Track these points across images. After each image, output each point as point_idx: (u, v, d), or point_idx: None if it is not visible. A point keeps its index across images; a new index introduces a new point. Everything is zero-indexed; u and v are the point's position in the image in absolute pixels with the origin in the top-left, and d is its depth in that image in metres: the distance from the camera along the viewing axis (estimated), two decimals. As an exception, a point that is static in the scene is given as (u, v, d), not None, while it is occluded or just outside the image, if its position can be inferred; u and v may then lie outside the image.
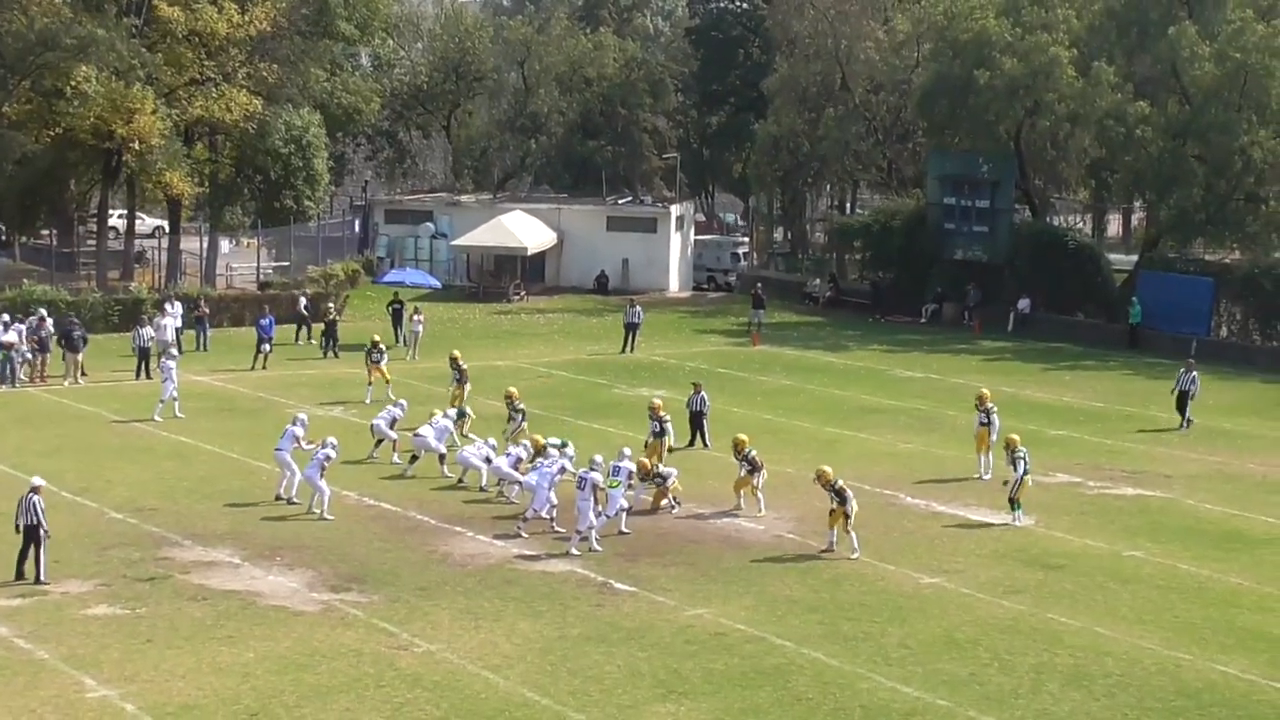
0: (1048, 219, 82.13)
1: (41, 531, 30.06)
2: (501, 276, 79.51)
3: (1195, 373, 50.71)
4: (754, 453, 36.77)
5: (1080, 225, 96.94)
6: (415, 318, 59.82)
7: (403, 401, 43.19)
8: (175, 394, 46.46)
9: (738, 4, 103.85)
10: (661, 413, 40.66)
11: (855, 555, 32.95)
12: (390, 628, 28.09)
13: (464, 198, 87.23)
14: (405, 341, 60.73)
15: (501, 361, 58.71)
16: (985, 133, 74.81)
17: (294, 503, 36.32)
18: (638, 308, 64.03)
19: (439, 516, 35.85)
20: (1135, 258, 79.01)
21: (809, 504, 36.18)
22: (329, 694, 24.88)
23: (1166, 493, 40.70)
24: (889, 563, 32.66)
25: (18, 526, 30.21)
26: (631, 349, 61.78)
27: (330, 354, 58.69)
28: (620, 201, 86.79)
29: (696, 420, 43.92)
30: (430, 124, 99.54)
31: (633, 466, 35.69)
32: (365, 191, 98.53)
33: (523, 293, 77.67)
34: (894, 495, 38.69)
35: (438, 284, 70.81)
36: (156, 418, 45.65)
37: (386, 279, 71.26)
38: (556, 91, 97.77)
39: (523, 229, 79.28)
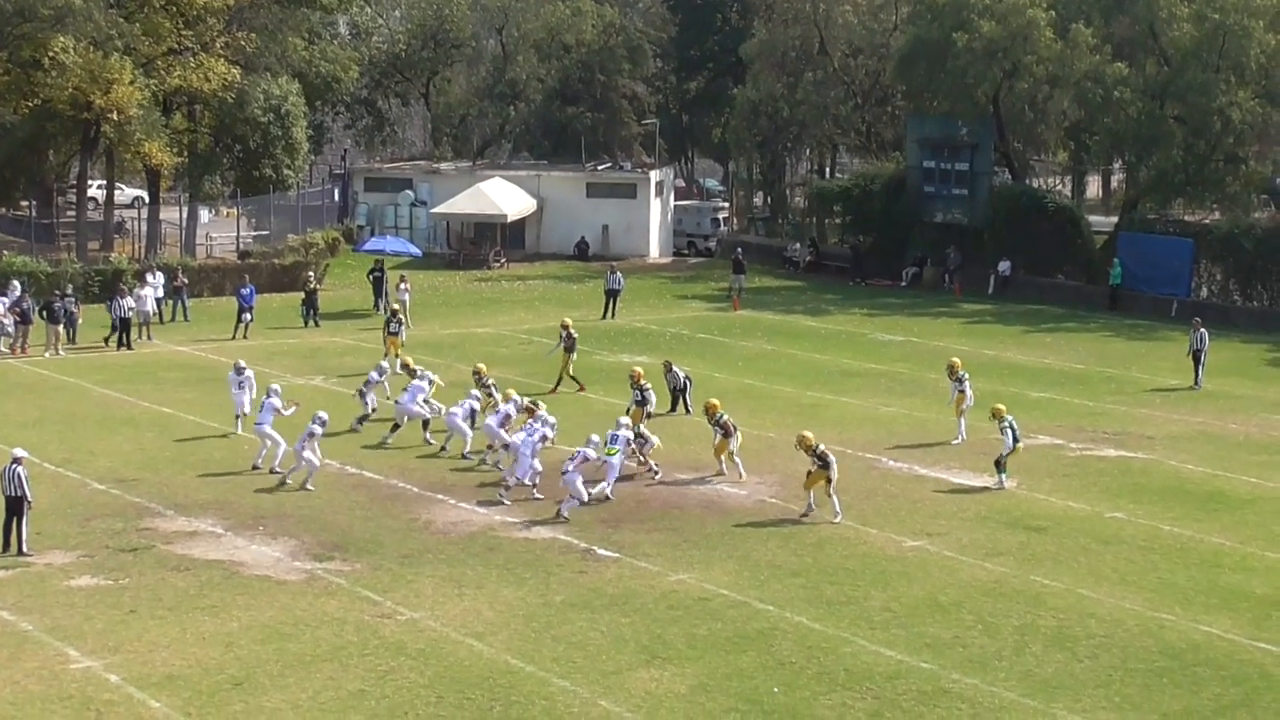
0: (1027, 181, 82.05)
1: (25, 503, 29.97)
2: (481, 244, 79.35)
3: (1204, 330, 50.88)
4: (725, 417, 36.60)
5: (1060, 187, 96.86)
6: (402, 285, 59.60)
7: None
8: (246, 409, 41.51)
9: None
10: (642, 380, 40.39)
11: (838, 519, 32.86)
12: (373, 596, 28.04)
13: (443, 165, 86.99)
14: (387, 310, 60.63)
15: (482, 329, 58.63)
16: (964, 96, 74.70)
17: (276, 473, 36.20)
18: (618, 274, 63.94)
19: (421, 484, 35.78)
20: (1115, 219, 79.09)
21: (791, 468, 36.17)
22: (312, 663, 24.83)
23: (1148, 454, 40.75)
24: (872, 526, 32.64)
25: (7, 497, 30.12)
26: (612, 315, 61.73)
27: (311, 323, 58.52)
28: (600, 168, 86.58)
29: (676, 397, 43.68)
30: (409, 92, 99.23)
31: (630, 434, 35.73)
32: (344, 160, 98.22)
33: (503, 260, 77.53)
34: (875, 459, 38.67)
35: (418, 252, 70.60)
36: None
37: (366, 247, 71.02)
38: (535, 58, 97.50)
39: (502, 196, 79.10)
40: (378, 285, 62.27)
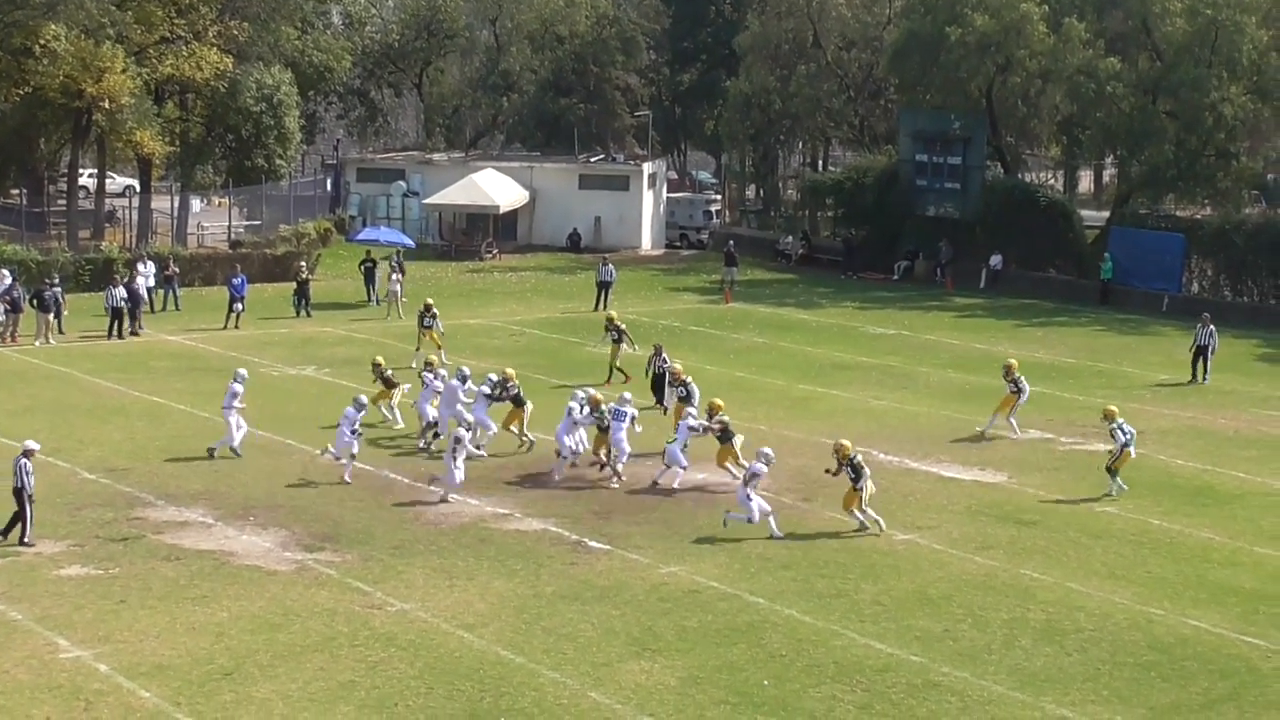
0: (1019, 175, 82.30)
1: (24, 495, 29.91)
2: (474, 235, 79.31)
3: (1213, 327, 50.96)
4: (724, 418, 36.08)
5: (1052, 181, 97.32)
6: (394, 276, 59.57)
7: (442, 372, 40.24)
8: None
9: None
10: (683, 376, 39.60)
11: (880, 531, 32.02)
12: (364, 587, 28.03)
13: (436, 156, 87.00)
14: (379, 300, 60.68)
15: (474, 320, 58.60)
16: (957, 89, 74.80)
17: (215, 455, 36.95)
18: (610, 266, 63.93)
19: (413, 475, 35.77)
20: (1107, 214, 79.27)
21: (782, 461, 36.12)
22: (303, 653, 24.83)
23: (1139, 448, 40.63)
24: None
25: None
26: (604, 307, 61.71)
27: (303, 313, 58.48)
28: (592, 159, 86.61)
29: (659, 384, 43.19)
30: (402, 82, 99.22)
31: (634, 410, 36.05)
32: (337, 150, 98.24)
33: (495, 251, 77.51)
34: (867, 451, 38.49)
35: (410, 242, 70.57)
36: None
37: (359, 238, 71.03)
38: (528, 49, 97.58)
39: (495, 187, 79.07)
40: (369, 276, 62.22)
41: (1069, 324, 62.89)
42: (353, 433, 35.30)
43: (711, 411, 36.34)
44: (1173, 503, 35.40)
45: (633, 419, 35.98)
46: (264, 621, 26.16)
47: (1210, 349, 50.60)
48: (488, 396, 38.18)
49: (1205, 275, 69.68)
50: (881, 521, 32.02)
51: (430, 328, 50.13)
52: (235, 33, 69.14)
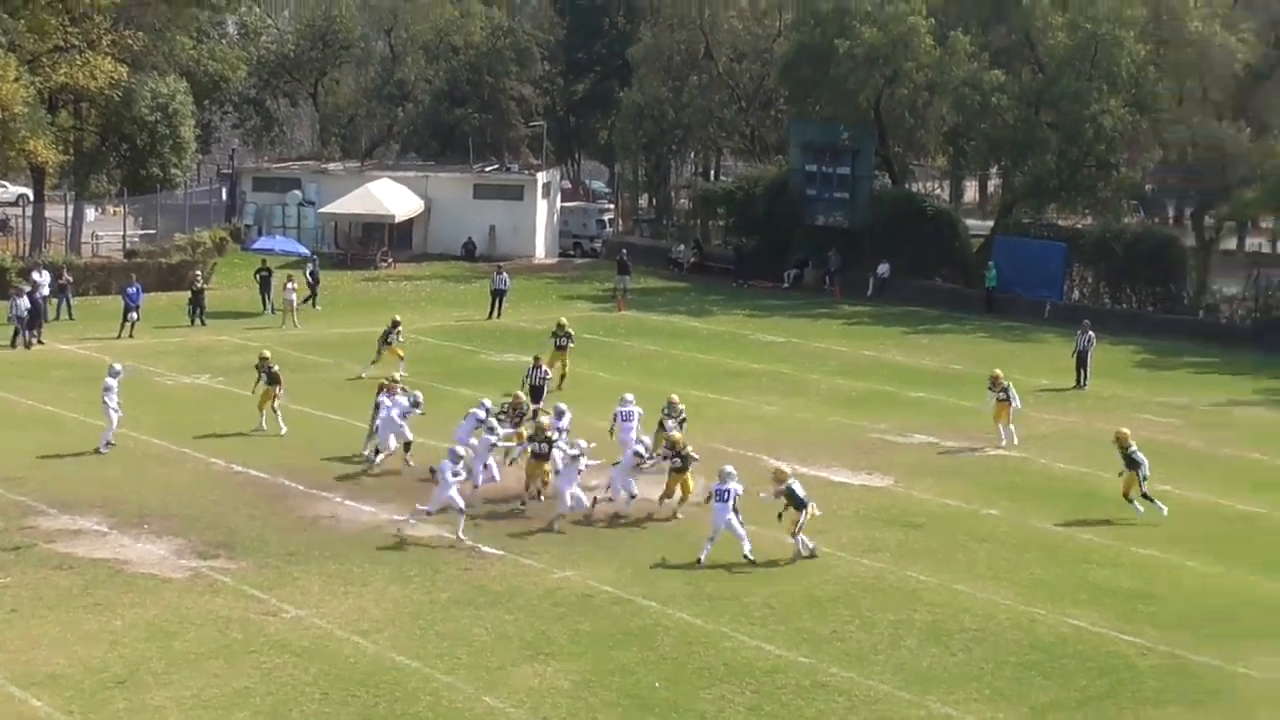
0: (906, 185, 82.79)
1: None
2: (369, 244, 78.96)
3: (1091, 333, 51.63)
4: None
5: (938, 191, 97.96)
6: (289, 285, 59.20)
7: (400, 399, 38.15)
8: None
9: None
10: (680, 406, 38.10)
11: (814, 555, 30.82)
12: (259, 594, 27.87)
13: (331, 165, 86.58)
14: (274, 309, 60.32)
15: (370, 328, 58.20)
16: (846, 101, 75.23)
17: (106, 448, 37.52)
18: (505, 274, 63.90)
19: (308, 483, 35.56)
20: (991, 223, 79.95)
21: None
22: (198, 660, 24.65)
23: (1021, 453, 41.20)
24: (752, 524, 32.52)
25: None
26: (498, 315, 61.66)
27: (197, 321, 58.05)
28: (487, 169, 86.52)
29: (537, 392, 42.49)
30: (297, 92, 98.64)
31: (640, 410, 37.09)
32: (232, 159, 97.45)
33: (390, 260, 77.20)
34: (757, 457, 38.78)
35: (306, 251, 70.17)
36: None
37: (255, 246, 70.58)
38: (423, 59, 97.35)
39: (390, 197, 78.79)
40: (264, 285, 61.81)
41: (955, 331, 63.41)
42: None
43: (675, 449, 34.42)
44: (1054, 506, 35.78)
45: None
46: (158, 629, 25.94)
47: (1089, 354, 51.29)
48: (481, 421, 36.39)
49: (1086, 283, 70.41)
50: (815, 548, 30.98)
51: (392, 344, 49.22)
52: (130, 42, 68.41)
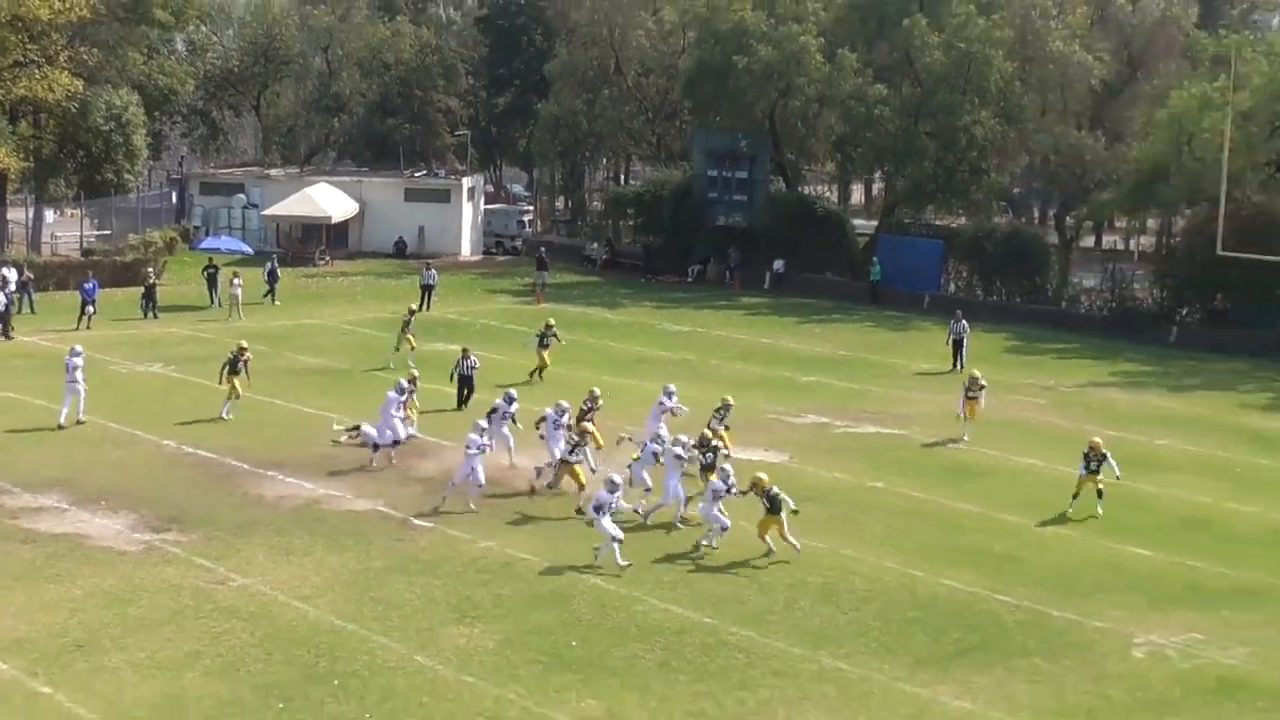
0: (799, 189, 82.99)
1: None
2: (308, 243, 78.38)
3: (965, 322, 51.97)
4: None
5: (827, 194, 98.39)
6: (235, 281, 58.73)
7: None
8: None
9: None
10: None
11: (798, 553, 29.24)
12: (208, 564, 27.72)
13: (273, 171, 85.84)
14: (221, 303, 59.87)
15: (310, 320, 58.02)
16: (743, 112, 75.31)
17: (79, 423, 37.73)
18: (433, 270, 63.63)
19: (253, 462, 35.37)
20: (875, 223, 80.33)
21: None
22: (152, 625, 24.51)
23: (904, 430, 41.47)
24: (656, 496, 32.71)
25: None
26: (428, 308, 61.38)
27: (150, 315, 57.53)
28: (416, 174, 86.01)
29: (466, 381, 42.23)
30: (241, 104, 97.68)
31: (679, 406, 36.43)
32: (181, 165, 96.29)
33: (328, 258, 76.66)
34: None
35: (250, 250, 69.60)
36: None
37: (202, 245, 69.93)
38: (358, 74, 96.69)
39: (327, 200, 78.30)
40: (211, 281, 61.34)
41: (843, 320, 63.68)
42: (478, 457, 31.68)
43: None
44: (932, 478, 36.07)
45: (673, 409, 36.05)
46: (115, 597, 25.78)
47: (964, 341, 51.67)
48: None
49: (961, 277, 70.82)
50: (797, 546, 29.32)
51: (410, 332, 48.85)
52: (85, 57, 67.69)
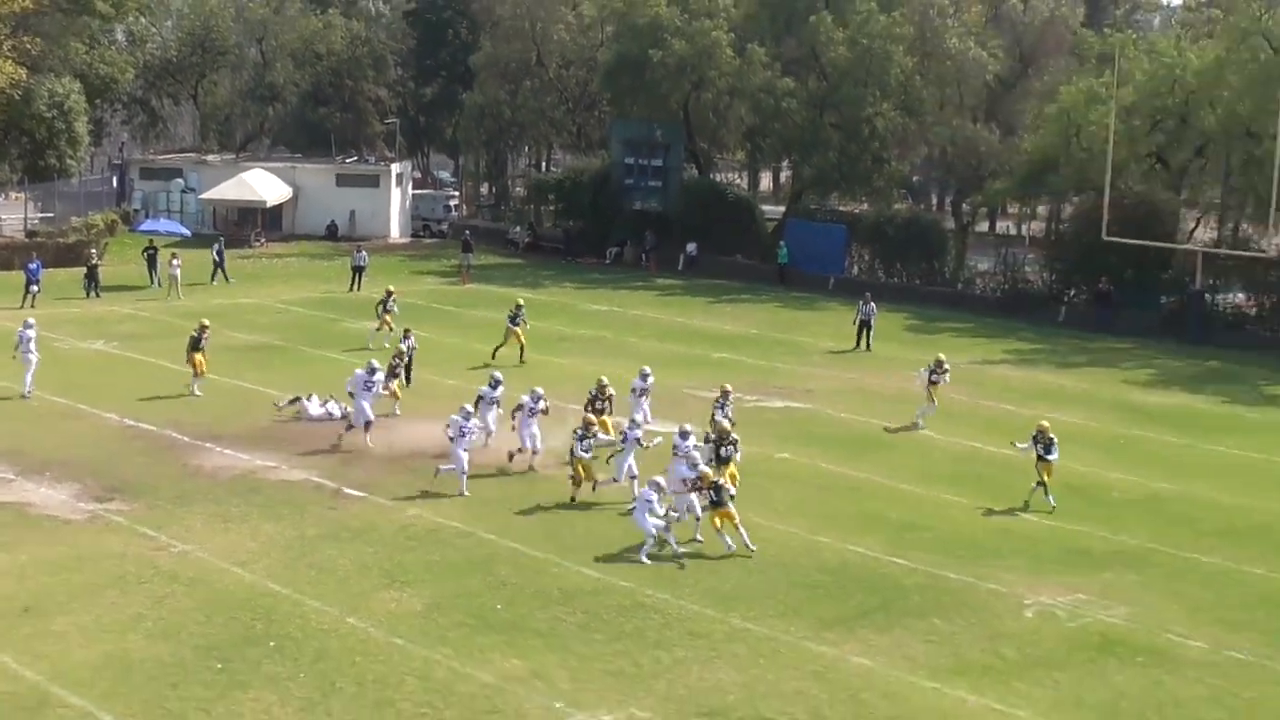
0: (711, 176, 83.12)
1: None
2: (244, 225, 77.80)
3: (873, 304, 52.18)
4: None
5: (738, 181, 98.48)
6: (174, 262, 58.19)
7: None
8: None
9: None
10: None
11: (752, 548, 27.54)
12: (150, 532, 27.49)
13: (210, 157, 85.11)
14: (160, 283, 59.31)
15: (246, 299, 57.58)
16: (659, 103, 75.34)
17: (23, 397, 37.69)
18: (363, 252, 63.27)
19: (192, 435, 35.09)
20: (783, 208, 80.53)
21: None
22: (96, 590, 24.30)
23: (809, 404, 41.68)
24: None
25: None
26: (358, 288, 61.03)
27: (93, 294, 56.93)
28: (347, 161, 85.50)
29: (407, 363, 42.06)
30: (180, 92, 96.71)
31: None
32: (122, 151, 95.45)
33: (263, 240, 76.10)
34: (564, 406, 38.64)
35: (188, 232, 68.99)
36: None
37: (142, 228, 69.29)
38: (291, 65, 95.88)
39: (262, 184, 77.73)
40: (151, 261, 60.76)
41: (753, 301, 63.87)
42: (464, 445, 30.81)
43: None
44: (837, 449, 36.26)
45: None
46: (61, 564, 25.52)
47: (870, 322, 51.93)
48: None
49: (864, 260, 71.12)
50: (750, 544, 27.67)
51: (390, 312, 48.06)
52: (29, 47, 66.88)
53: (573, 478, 30.69)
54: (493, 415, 34.37)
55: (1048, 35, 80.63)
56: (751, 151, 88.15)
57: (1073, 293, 64.15)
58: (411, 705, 20.45)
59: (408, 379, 40.51)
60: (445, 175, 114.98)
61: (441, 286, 64.47)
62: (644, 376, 36.65)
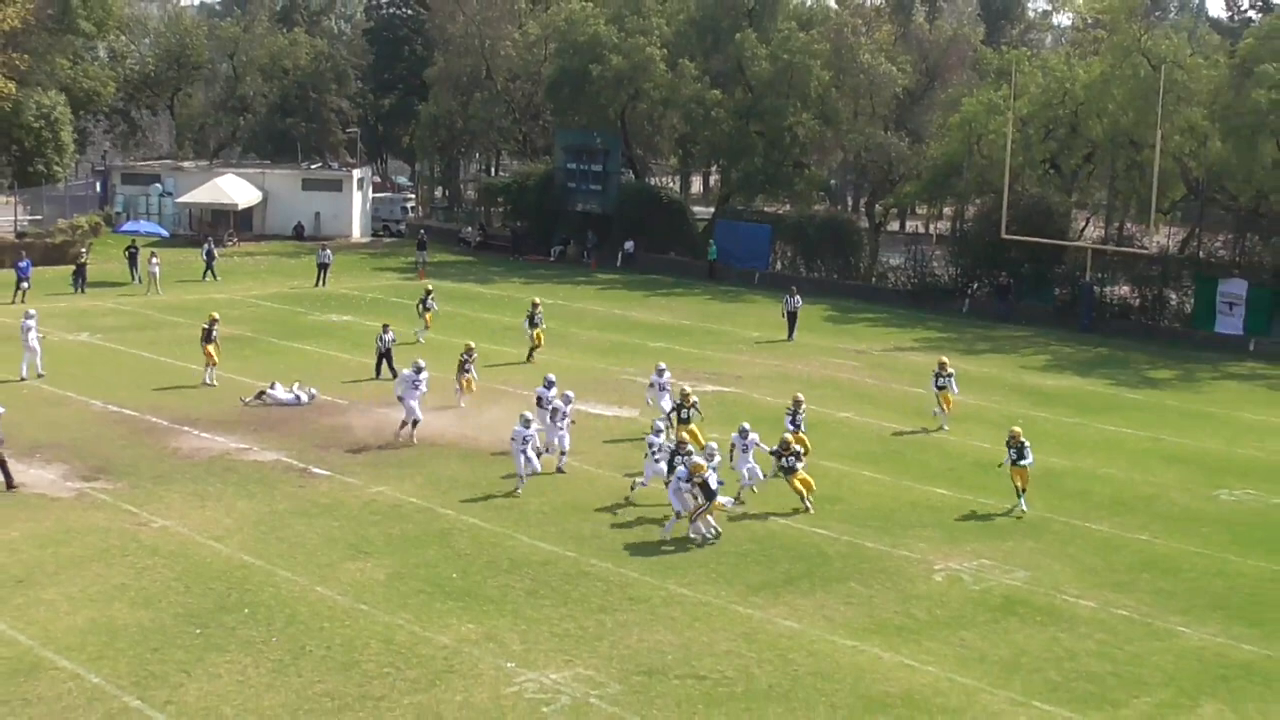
0: (647, 180, 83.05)
1: None
2: (218, 226, 77.13)
3: (799, 297, 52.24)
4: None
5: (671, 185, 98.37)
6: (153, 260, 57.65)
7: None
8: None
9: (404, 10, 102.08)
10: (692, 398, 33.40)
11: (718, 539, 26.92)
12: (132, 509, 27.25)
13: (186, 164, 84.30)
14: (141, 280, 58.74)
15: (219, 295, 57.10)
16: (598, 113, 75.24)
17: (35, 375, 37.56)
18: (328, 250, 62.91)
19: (171, 419, 34.79)
20: (713, 209, 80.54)
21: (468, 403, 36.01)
22: (83, 562, 24.07)
23: (738, 389, 41.72)
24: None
25: None
26: (324, 284, 60.68)
27: (79, 290, 56.35)
28: (312, 167, 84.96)
29: (386, 356, 41.06)
30: (157, 104, 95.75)
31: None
32: (104, 158, 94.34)
33: (235, 239, 75.49)
34: (514, 391, 38.57)
35: (166, 233, 68.40)
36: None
37: (124, 229, 68.62)
38: (260, 78, 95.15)
39: (234, 189, 77.09)
40: (132, 259, 60.17)
41: (685, 294, 63.90)
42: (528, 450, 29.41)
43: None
44: (765, 430, 35.95)
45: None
46: (50, 538, 25.27)
47: (796, 314, 52.01)
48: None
49: (786, 257, 71.23)
50: (718, 528, 27.21)
51: (430, 310, 47.68)
52: (17, 63, 66.09)
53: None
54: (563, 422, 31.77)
55: (951, 52, 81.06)
56: (683, 157, 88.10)
57: (975, 286, 64.49)
58: (375, 666, 20.37)
59: (391, 370, 39.81)
60: (402, 180, 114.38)
61: (399, 282, 64.08)
62: (660, 372, 35.42)
